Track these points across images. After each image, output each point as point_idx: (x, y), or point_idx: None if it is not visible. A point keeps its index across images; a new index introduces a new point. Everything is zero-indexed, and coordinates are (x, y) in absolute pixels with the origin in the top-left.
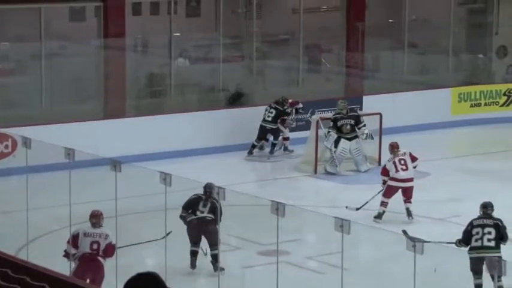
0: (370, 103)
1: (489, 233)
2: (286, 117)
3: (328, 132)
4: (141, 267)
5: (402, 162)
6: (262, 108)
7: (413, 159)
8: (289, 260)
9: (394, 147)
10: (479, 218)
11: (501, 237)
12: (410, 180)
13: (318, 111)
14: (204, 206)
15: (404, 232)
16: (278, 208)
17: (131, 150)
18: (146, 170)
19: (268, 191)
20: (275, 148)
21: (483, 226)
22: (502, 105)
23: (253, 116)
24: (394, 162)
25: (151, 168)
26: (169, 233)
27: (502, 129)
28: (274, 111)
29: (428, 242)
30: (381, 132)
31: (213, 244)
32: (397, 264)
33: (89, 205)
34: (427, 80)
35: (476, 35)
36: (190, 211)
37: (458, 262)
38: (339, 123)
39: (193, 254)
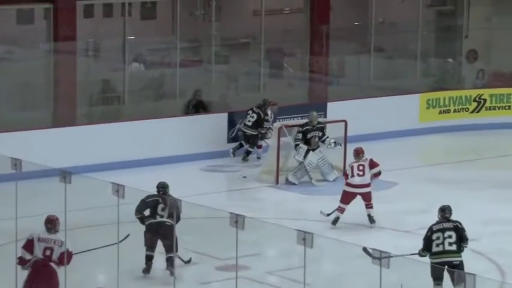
0: (335, 110)
1: (450, 236)
2: (265, 130)
3: (297, 145)
4: (92, 284)
5: (360, 168)
6: (222, 115)
7: (374, 165)
8: (249, 275)
9: (358, 153)
10: (438, 222)
11: (461, 239)
12: (366, 186)
13: (280, 118)
14: (163, 209)
15: (365, 250)
16: (237, 220)
17: (82, 160)
18: (97, 181)
19: (227, 202)
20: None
21: (443, 230)
22: (472, 112)
23: (212, 123)
24: (352, 167)
25: (103, 179)
26: (127, 236)
27: (472, 137)
28: (255, 116)
29: (391, 256)
30: (345, 140)
31: (169, 250)
32: (362, 279)
33: (36, 218)
34: (394, 85)
35: (445, 38)
36: (148, 214)
37: (426, 276)
38: (308, 136)
39: (149, 259)
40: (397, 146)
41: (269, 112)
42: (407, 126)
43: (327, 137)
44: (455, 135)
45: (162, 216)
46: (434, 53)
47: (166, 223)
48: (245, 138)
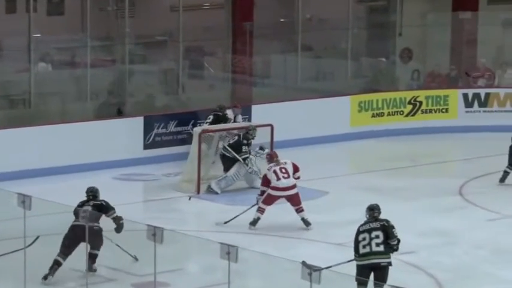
0: (260, 113)
1: (377, 236)
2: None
3: (247, 157)
4: None
5: (283, 170)
6: (137, 119)
7: (296, 169)
8: None
9: (273, 156)
10: (365, 222)
11: (387, 236)
12: (293, 187)
13: (201, 122)
14: (85, 211)
15: (304, 263)
16: (155, 233)
17: None
18: (2, 191)
19: (143, 214)
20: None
21: (370, 230)
22: (407, 115)
23: (126, 128)
24: (275, 171)
25: (7, 190)
26: (36, 238)
27: (408, 142)
28: (211, 117)
29: (329, 267)
30: (272, 146)
31: (95, 247)
32: None
33: None
34: (323, 86)
35: (377, 36)
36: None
37: None
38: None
39: (57, 263)
40: (327, 152)
41: (232, 115)
42: (338, 130)
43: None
44: (389, 140)
45: (83, 218)
46: (365, 52)
47: (94, 227)
48: None
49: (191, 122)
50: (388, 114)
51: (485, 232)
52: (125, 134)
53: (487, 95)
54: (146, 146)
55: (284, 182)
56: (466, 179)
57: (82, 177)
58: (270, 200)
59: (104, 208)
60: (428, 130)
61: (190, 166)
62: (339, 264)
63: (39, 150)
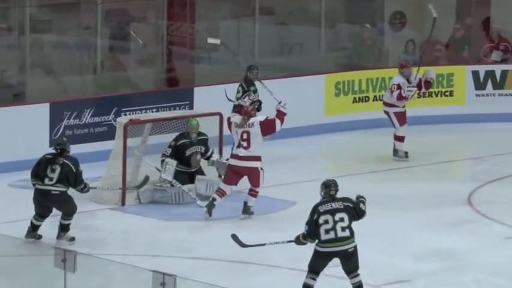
0: (205, 97)
1: (341, 219)
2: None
3: (163, 160)
4: None
5: (245, 136)
6: (42, 106)
7: (266, 127)
8: None
9: (246, 113)
10: (324, 202)
11: (359, 214)
12: (253, 158)
13: (127, 111)
14: (53, 171)
15: (234, 236)
16: (66, 259)
17: None
18: None
19: (50, 232)
20: None
21: (333, 212)
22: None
23: (26, 119)
24: (237, 133)
25: None
26: None
27: None
28: (240, 90)
29: (262, 244)
30: (221, 140)
31: (68, 214)
32: None
33: None
34: (289, 62)
35: None
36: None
37: None
38: (187, 152)
39: (34, 228)
40: (293, 150)
41: (400, 78)
42: (309, 120)
43: (212, 152)
44: (376, 133)
45: (51, 179)
46: (344, 17)
47: (54, 192)
48: None
49: (113, 110)
50: (375, 98)
51: (502, 254)
52: (24, 126)
53: (504, 73)
54: (53, 142)
55: (242, 151)
56: (477, 184)
57: None
58: (230, 177)
59: (72, 177)
60: (427, 120)
61: (113, 169)
62: (276, 243)
63: None
